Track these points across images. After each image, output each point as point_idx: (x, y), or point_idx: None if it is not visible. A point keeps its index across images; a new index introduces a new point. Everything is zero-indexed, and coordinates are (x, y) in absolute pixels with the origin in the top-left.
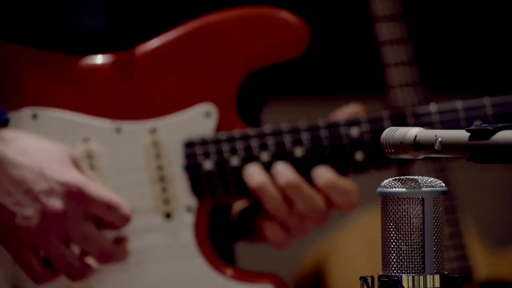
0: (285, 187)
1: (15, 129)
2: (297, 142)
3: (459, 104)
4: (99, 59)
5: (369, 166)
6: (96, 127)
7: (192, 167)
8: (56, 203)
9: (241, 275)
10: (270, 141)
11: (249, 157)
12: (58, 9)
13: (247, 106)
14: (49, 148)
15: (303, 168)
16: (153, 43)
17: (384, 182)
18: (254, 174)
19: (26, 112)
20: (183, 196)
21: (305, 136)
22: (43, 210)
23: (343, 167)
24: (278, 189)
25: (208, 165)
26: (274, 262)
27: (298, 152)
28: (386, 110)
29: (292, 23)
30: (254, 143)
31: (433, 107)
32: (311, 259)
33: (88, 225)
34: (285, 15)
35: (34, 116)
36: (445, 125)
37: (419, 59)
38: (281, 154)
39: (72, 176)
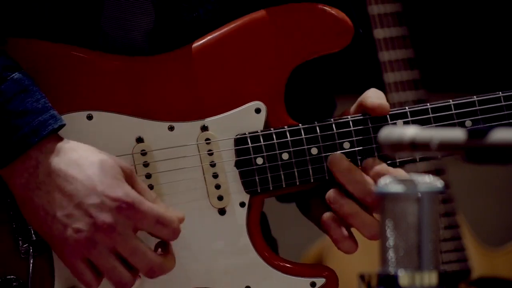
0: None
1: (69, 137)
2: (345, 135)
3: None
4: (148, 60)
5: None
6: (149, 125)
7: (243, 163)
8: (106, 218)
9: (294, 268)
10: (319, 135)
11: (299, 151)
12: (106, 10)
13: (291, 100)
14: (101, 161)
15: (352, 160)
16: (200, 43)
17: (381, 181)
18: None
19: (81, 113)
20: (236, 192)
21: (353, 129)
22: (94, 224)
23: (391, 158)
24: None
25: (259, 160)
26: None
27: (346, 145)
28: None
29: (335, 17)
30: (304, 137)
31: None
32: (312, 256)
33: (137, 240)
34: (329, 9)
35: (89, 117)
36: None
37: (418, 58)
38: (330, 147)
39: (123, 192)
